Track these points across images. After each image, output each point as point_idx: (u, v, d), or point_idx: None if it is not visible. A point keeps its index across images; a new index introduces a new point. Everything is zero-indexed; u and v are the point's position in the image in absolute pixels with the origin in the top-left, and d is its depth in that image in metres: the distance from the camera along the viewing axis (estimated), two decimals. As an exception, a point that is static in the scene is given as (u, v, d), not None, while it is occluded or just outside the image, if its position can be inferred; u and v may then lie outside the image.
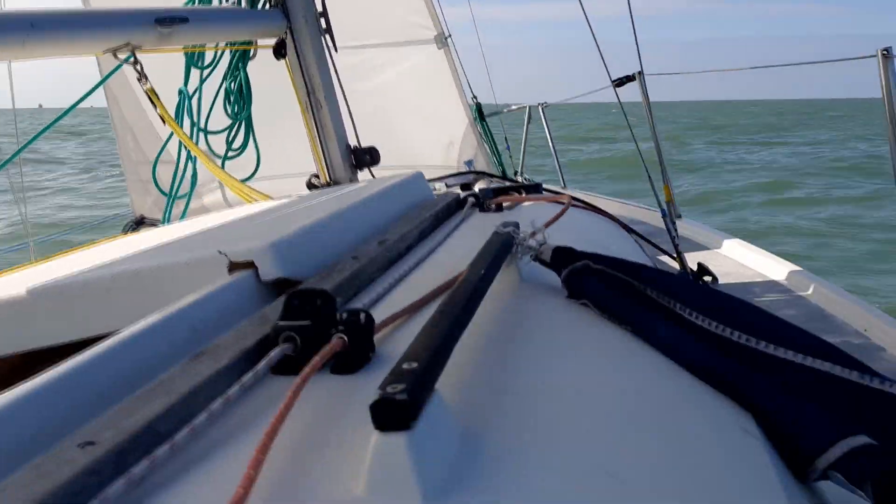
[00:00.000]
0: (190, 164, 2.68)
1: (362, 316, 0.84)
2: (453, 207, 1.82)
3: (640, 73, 3.02)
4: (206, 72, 2.67)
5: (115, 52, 1.91)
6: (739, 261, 2.79)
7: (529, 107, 5.68)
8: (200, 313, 0.99)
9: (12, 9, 1.73)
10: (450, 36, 5.06)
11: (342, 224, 1.40)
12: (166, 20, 1.99)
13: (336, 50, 2.65)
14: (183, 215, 2.87)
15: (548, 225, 1.41)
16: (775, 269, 2.64)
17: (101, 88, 3.66)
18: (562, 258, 1.14)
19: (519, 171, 5.69)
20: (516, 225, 1.29)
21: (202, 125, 2.74)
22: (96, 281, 1.18)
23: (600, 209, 2.16)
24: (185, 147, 2.59)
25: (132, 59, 1.94)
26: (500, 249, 1.14)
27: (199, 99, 2.69)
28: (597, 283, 1.09)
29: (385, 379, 0.62)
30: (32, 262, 1.94)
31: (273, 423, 0.62)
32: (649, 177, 2.34)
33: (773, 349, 0.93)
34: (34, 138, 2.20)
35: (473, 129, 5.26)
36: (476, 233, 1.56)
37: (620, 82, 3.19)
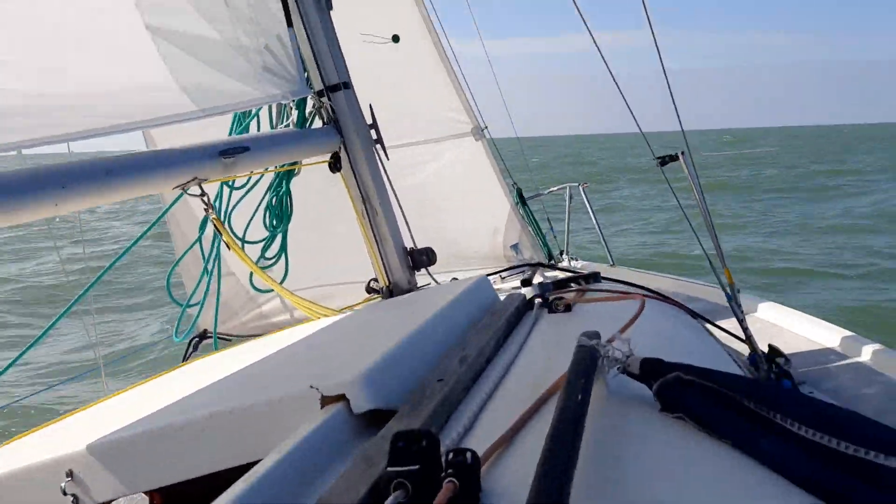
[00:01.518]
0: (211, 278, 2.71)
1: (468, 455, 0.85)
2: (522, 310, 1.84)
3: (684, 153, 3.04)
4: (239, 192, 2.76)
5: (183, 187, 2.00)
6: (808, 337, 2.73)
7: (570, 186, 5.74)
8: (304, 458, 1.00)
9: (89, 158, 1.83)
10: (486, 128, 5.19)
11: (422, 343, 1.43)
12: (230, 152, 2.08)
13: (388, 157, 2.73)
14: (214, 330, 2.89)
15: (625, 329, 1.41)
16: (849, 345, 2.57)
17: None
18: (651, 370, 1.13)
19: (564, 250, 5.70)
20: (597, 335, 1.29)
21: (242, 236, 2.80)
22: (194, 423, 1.21)
23: (665, 296, 2.15)
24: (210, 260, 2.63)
25: (199, 192, 2.04)
26: (589, 366, 1.14)
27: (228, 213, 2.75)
28: (692, 395, 1.08)
29: None
30: (109, 397, 1.98)
31: None
32: (710, 262, 2.33)
33: (883, 458, 0.91)
34: (105, 271, 2.29)
35: (516, 213, 5.33)
36: (552, 340, 1.57)
37: (663, 161, 3.21)
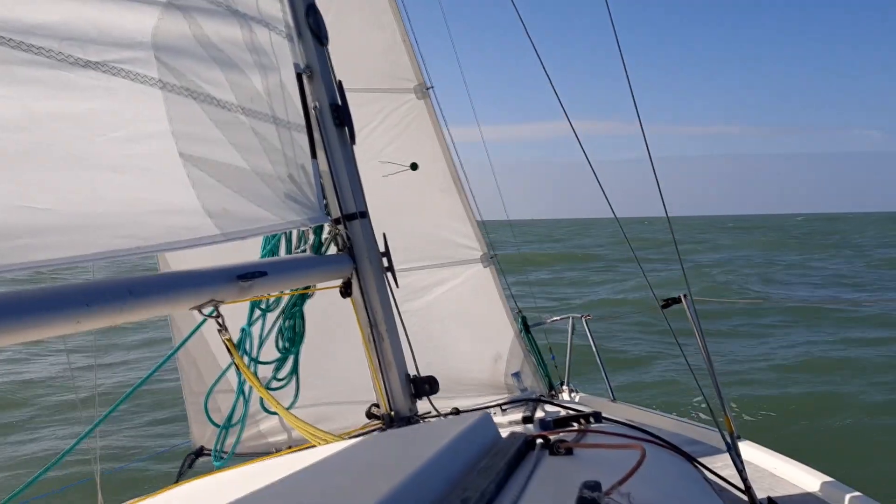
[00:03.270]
0: (242, 400, 2.78)
1: None
2: (523, 451, 1.85)
3: (686, 295, 3.11)
4: (269, 312, 2.84)
5: (199, 309, 2.07)
6: (805, 488, 2.72)
7: (573, 317, 5.80)
8: None
9: (112, 278, 1.90)
10: (495, 255, 5.31)
11: (425, 482, 1.44)
12: (247, 276, 2.16)
13: (398, 286, 2.81)
14: (235, 445, 2.91)
15: (624, 481, 1.43)
16: (839, 496, 2.57)
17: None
18: (648, 528, 1.15)
19: (565, 381, 5.71)
20: (598, 486, 1.31)
21: (255, 356, 2.86)
22: None
23: (666, 442, 2.16)
24: (245, 383, 2.69)
25: (215, 314, 2.10)
26: None
27: (260, 335, 2.84)
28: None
29: None
30: None
31: None
32: (710, 410, 2.35)
33: None
34: (118, 404, 2.32)
35: (520, 341, 5.36)
36: (553, 487, 1.58)
37: (667, 304, 3.27)
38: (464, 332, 5.18)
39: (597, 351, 5.34)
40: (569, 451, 1.87)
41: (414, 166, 4.95)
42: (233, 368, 2.66)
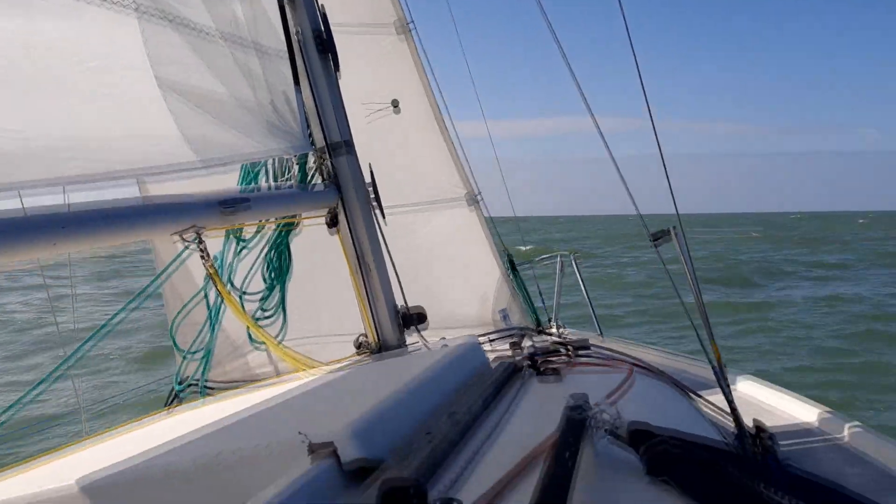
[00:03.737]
0: (209, 327, 2.70)
1: None
2: (511, 374, 1.84)
3: (674, 229, 3.08)
4: (248, 247, 2.78)
5: (181, 235, 2.02)
6: (793, 415, 2.72)
7: (561, 255, 5.77)
8: None
9: (94, 201, 1.85)
10: (480, 194, 5.27)
11: (412, 401, 1.43)
12: (230, 203, 2.11)
13: (384, 218, 2.77)
14: (203, 373, 2.86)
15: (613, 396, 1.42)
16: (831, 424, 2.56)
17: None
18: (639, 436, 1.14)
19: (553, 318, 5.70)
20: (586, 398, 1.30)
21: (240, 287, 2.81)
22: (178, 467, 1.20)
23: (653, 368, 2.16)
24: (217, 312, 2.63)
25: (197, 240, 2.05)
26: (578, 428, 1.15)
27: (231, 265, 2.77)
28: (678, 462, 1.08)
29: None
30: (93, 436, 1.95)
31: None
32: (698, 336, 2.34)
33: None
34: (98, 331, 2.27)
35: (506, 280, 5.35)
36: (540, 404, 1.57)
37: (656, 238, 3.25)
38: (450, 271, 5.16)
39: (584, 287, 5.33)
40: (557, 374, 1.86)
41: (395, 104, 4.86)
42: (205, 296, 2.62)
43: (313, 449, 1.17)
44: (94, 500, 1.22)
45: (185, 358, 2.73)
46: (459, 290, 5.17)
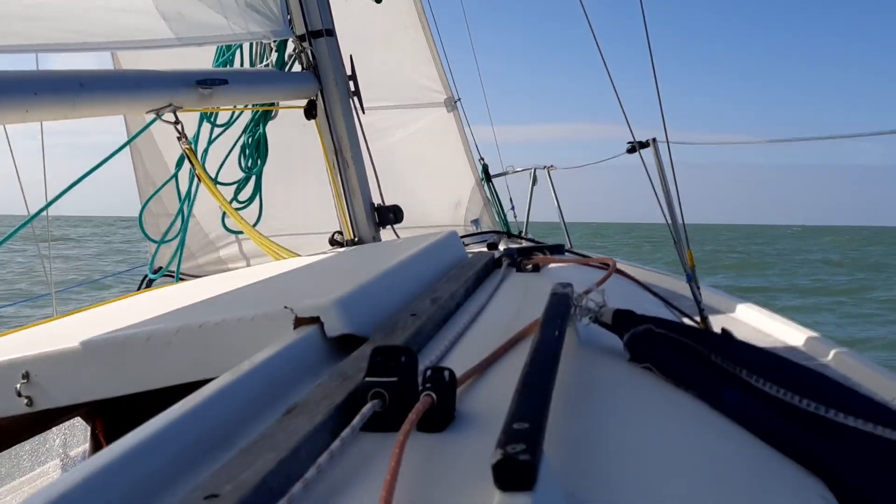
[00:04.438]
0: (183, 217, 2.65)
1: (446, 374, 0.85)
2: (490, 266, 1.85)
3: (656, 140, 3.07)
4: (219, 129, 2.70)
5: (157, 112, 1.95)
6: (760, 328, 2.79)
7: (535, 169, 5.76)
8: (274, 370, 0.99)
9: (62, 69, 1.77)
10: (459, 100, 5.18)
11: (396, 281, 1.43)
12: (207, 82, 2.04)
13: (363, 111, 2.71)
14: (178, 264, 2.83)
15: (598, 286, 1.43)
16: (795, 336, 2.64)
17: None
18: (623, 321, 1.15)
19: (523, 231, 5.74)
20: (570, 285, 1.31)
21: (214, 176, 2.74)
22: (160, 334, 1.19)
23: (627, 274, 2.18)
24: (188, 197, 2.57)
25: (173, 119, 1.99)
26: (564, 310, 1.16)
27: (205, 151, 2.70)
28: (660, 347, 1.10)
29: (501, 439, 0.63)
30: (68, 313, 1.93)
31: (388, 481, 0.62)
32: (675, 241, 2.38)
33: (842, 417, 0.94)
34: (66, 190, 2.21)
35: (480, 189, 5.34)
36: (522, 292, 1.58)
37: (633, 148, 3.24)
38: (425, 175, 5.12)
39: (557, 200, 5.35)
40: (536, 269, 1.88)
41: None
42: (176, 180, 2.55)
43: (299, 322, 1.16)
44: (65, 364, 1.20)
45: (158, 245, 2.69)
46: (432, 195, 5.14)
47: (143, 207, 2.69)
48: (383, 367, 0.84)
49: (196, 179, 2.38)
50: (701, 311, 2.29)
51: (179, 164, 2.48)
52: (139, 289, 3.33)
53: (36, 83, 1.60)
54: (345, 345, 1.15)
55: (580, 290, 1.34)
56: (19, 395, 1.21)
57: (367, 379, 0.83)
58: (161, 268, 2.92)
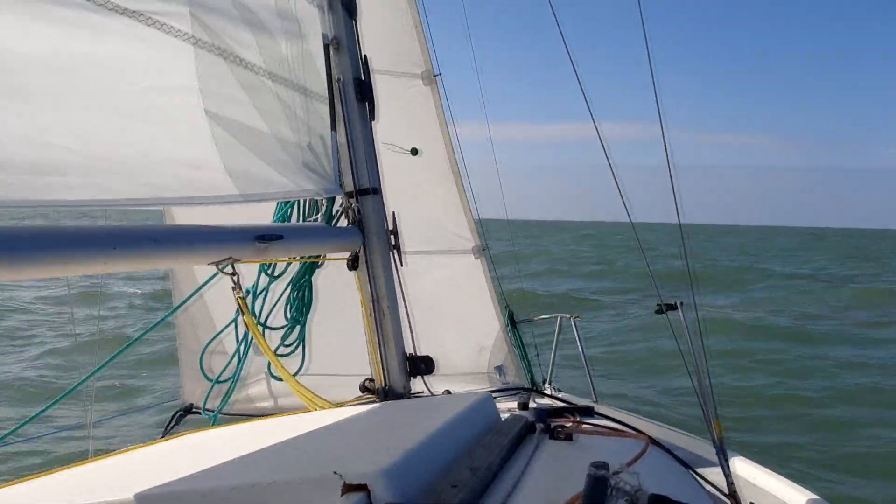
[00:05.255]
0: (237, 359, 2.80)
1: None
2: (524, 433, 1.89)
3: (683, 303, 3.15)
4: (274, 278, 2.87)
5: (218, 265, 2.09)
6: (786, 502, 2.75)
7: (560, 317, 5.83)
8: None
9: (138, 224, 1.92)
10: (487, 248, 5.35)
11: (437, 448, 1.48)
12: (265, 237, 2.19)
13: (402, 264, 2.84)
14: (223, 403, 2.92)
15: (632, 465, 1.47)
16: None
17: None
18: (660, 507, 1.20)
19: (548, 379, 5.73)
20: (606, 466, 1.35)
21: (264, 321, 2.88)
22: (218, 491, 1.24)
23: (658, 442, 2.21)
24: (244, 343, 2.72)
25: (231, 271, 2.12)
26: (600, 492, 1.20)
27: (263, 299, 2.86)
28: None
29: None
30: (105, 455, 1.98)
31: None
32: (704, 411, 2.40)
33: None
34: (119, 352, 2.33)
35: (505, 335, 5.40)
36: (557, 465, 1.62)
37: (660, 310, 3.31)
38: (450, 320, 5.20)
39: (583, 351, 5.37)
40: (569, 437, 1.91)
41: (414, 151, 4.95)
42: (232, 327, 2.68)
43: (346, 490, 1.21)
44: None
45: (212, 385, 2.79)
46: (457, 340, 5.20)
47: (205, 349, 2.83)
48: None
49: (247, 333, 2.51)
50: (730, 486, 2.28)
51: (238, 310, 2.62)
52: (172, 420, 3.39)
53: (116, 238, 1.74)
54: None
55: (614, 465, 1.38)
56: None
57: None
58: (192, 405, 3.00)
